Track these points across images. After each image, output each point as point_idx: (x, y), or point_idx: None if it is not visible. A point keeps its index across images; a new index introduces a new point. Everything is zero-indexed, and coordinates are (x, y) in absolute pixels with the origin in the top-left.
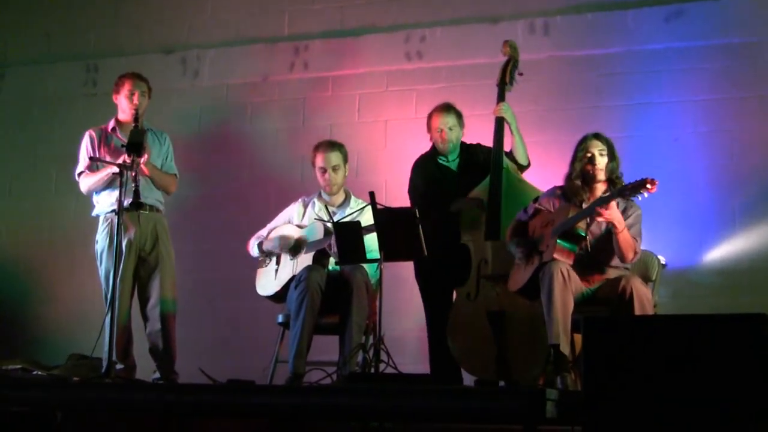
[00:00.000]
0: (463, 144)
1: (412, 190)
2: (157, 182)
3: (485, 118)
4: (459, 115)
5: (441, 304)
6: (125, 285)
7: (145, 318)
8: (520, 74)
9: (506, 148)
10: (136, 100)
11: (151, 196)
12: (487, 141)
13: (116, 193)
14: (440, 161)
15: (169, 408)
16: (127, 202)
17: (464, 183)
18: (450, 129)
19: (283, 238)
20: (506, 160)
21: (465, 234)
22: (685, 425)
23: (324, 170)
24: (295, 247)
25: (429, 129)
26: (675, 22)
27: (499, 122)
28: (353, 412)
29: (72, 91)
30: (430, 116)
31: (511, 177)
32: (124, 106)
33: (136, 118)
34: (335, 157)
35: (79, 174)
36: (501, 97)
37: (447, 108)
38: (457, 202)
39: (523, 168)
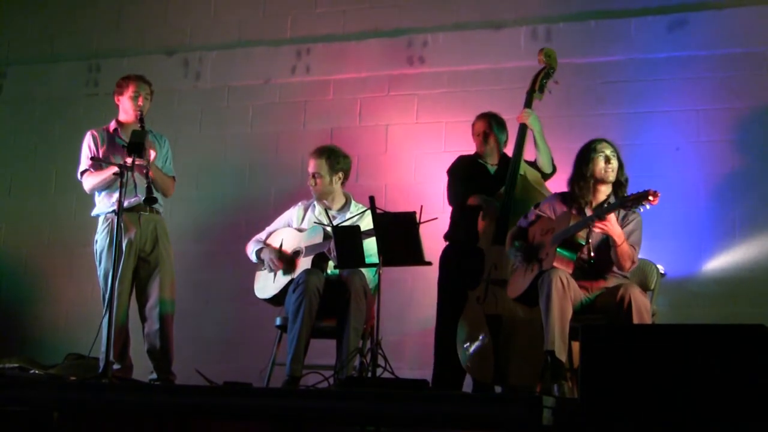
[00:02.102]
0: (505, 155)
1: (454, 181)
2: (158, 184)
3: None
4: (498, 122)
5: (455, 307)
6: (124, 285)
7: (144, 319)
8: (556, 83)
9: (531, 156)
10: (140, 102)
11: None
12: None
13: (116, 193)
14: (480, 161)
15: (166, 409)
16: (140, 198)
17: (496, 187)
18: (485, 135)
19: (278, 257)
20: (525, 167)
21: (481, 238)
22: None
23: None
24: (289, 263)
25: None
26: (678, 31)
27: (522, 129)
28: (350, 417)
29: (74, 91)
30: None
31: (527, 184)
32: (127, 108)
33: (141, 120)
34: (317, 165)
35: (82, 173)
36: (527, 104)
37: (484, 115)
38: (479, 197)
39: (547, 176)
